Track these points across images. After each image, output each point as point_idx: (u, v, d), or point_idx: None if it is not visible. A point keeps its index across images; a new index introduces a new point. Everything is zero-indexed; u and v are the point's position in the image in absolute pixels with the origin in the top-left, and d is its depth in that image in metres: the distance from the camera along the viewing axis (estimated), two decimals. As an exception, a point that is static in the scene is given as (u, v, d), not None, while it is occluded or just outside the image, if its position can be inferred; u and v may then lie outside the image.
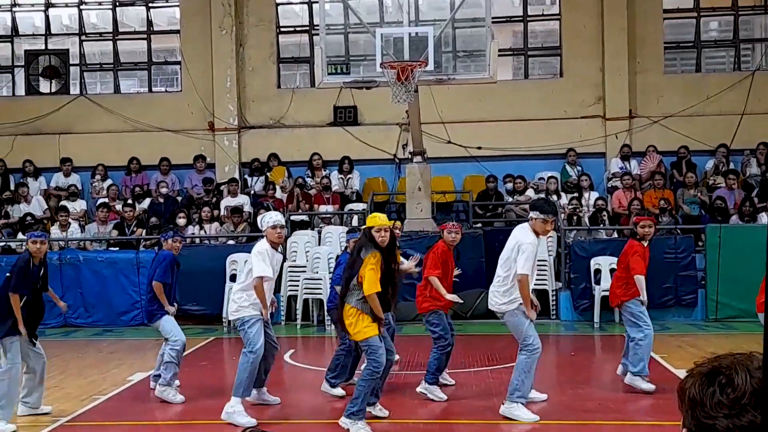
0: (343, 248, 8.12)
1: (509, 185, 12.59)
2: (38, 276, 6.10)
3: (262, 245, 6.07)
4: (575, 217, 11.75)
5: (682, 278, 10.61)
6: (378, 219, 5.58)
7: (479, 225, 11.88)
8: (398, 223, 7.27)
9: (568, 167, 13.06)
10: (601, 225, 11.64)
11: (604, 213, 11.74)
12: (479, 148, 13.40)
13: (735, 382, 1.22)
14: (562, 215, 11.60)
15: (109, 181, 13.39)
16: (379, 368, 5.48)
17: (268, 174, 13.22)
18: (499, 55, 10.14)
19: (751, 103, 13.02)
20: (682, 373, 1.36)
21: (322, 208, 12.32)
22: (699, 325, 10.38)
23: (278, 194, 12.72)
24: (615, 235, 11.59)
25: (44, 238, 6.27)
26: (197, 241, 11.80)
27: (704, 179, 12.60)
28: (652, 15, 13.39)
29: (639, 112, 13.37)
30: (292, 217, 12.00)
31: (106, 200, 12.72)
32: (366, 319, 5.46)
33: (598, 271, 10.62)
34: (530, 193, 12.47)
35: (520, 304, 5.78)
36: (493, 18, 9.88)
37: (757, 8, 14.23)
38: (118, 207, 12.59)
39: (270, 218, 6.11)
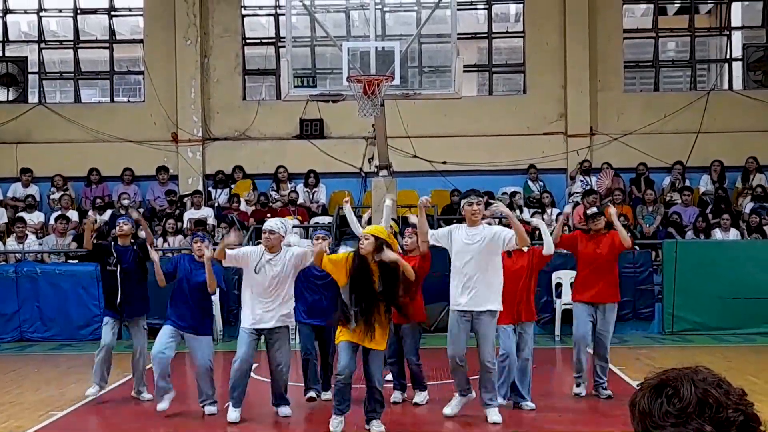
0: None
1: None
2: None
3: (258, 248, 6.39)
4: (537, 232, 11.92)
5: (640, 292, 10.84)
6: (368, 228, 5.97)
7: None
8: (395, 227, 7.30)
9: (530, 183, 13.27)
10: (563, 239, 11.82)
11: (566, 228, 11.94)
12: (444, 162, 13.53)
13: (681, 393, 1.29)
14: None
15: (59, 192, 13.06)
16: (339, 374, 5.67)
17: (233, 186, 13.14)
18: (464, 71, 10.28)
19: (707, 122, 13.42)
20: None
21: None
22: (656, 338, 10.62)
23: (243, 207, 12.64)
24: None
25: None
26: (160, 253, 11.64)
27: (662, 196, 12.93)
28: (612, 34, 13.74)
29: (599, 129, 13.67)
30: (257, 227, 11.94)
31: (67, 213, 12.47)
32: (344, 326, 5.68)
33: (559, 285, 10.78)
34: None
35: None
36: (458, 34, 10.02)
37: (713, 30, 14.72)
38: (74, 218, 12.36)
39: (266, 224, 6.42)
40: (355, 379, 5.92)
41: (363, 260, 5.58)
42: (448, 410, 6.20)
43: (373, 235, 5.60)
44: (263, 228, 6.26)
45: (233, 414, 6.17)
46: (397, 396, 6.74)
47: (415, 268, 6.46)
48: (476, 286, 5.91)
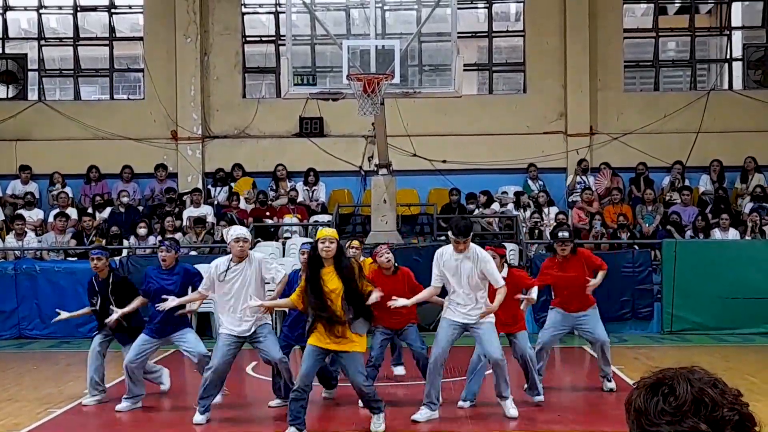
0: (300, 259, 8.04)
1: (472, 206, 12.65)
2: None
3: (220, 259, 6.17)
4: (537, 231, 11.93)
5: (639, 292, 10.85)
6: (322, 231, 5.63)
7: (443, 238, 11.96)
8: (356, 242, 7.22)
9: (529, 182, 13.26)
10: (562, 239, 11.81)
11: (565, 227, 11.92)
12: (444, 161, 13.53)
13: (677, 392, 1.30)
14: (524, 228, 11.80)
15: (59, 189, 13.07)
16: (296, 381, 5.56)
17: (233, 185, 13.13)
18: (464, 70, 10.27)
19: (706, 122, 13.42)
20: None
21: (287, 220, 12.29)
22: (655, 337, 10.62)
23: (242, 205, 12.64)
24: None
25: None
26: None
27: (661, 195, 12.94)
28: (612, 34, 13.74)
29: (599, 129, 13.67)
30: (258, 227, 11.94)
31: (65, 210, 12.47)
32: (311, 330, 5.55)
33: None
34: (495, 206, 12.63)
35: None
36: (458, 33, 10.02)
37: (713, 30, 14.71)
38: (73, 215, 12.37)
39: (233, 232, 6.14)
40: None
41: (318, 264, 5.40)
42: (418, 416, 6.07)
43: (336, 239, 5.48)
44: (236, 237, 5.97)
45: (200, 417, 5.98)
46: None
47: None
48: (467, 303, 5.95)
